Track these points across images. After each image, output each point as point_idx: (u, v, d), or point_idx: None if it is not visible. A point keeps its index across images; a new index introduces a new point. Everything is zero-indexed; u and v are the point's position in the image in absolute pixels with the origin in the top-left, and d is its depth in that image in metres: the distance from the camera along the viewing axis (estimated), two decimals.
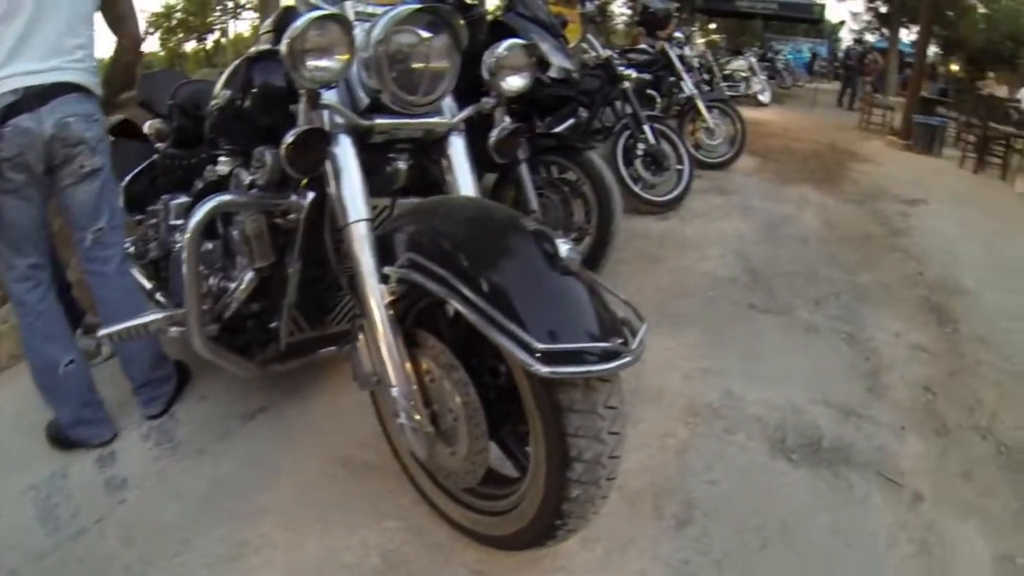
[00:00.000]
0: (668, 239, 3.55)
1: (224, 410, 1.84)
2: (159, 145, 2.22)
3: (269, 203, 1.37)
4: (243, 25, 26.59)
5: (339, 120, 1.25)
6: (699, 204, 4.27)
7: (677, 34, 5.28)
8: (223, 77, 1.53)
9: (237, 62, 1.50)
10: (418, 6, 1.25)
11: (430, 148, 1.44)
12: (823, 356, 2.31)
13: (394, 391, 1.16)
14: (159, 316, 1.49)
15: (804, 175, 5.55)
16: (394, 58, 1.24)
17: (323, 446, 1.67)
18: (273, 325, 1.53)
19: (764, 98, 10.62)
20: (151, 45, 27.69)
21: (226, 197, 1.34)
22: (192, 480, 1.58)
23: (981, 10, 18.18)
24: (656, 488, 1.53)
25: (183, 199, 1.94)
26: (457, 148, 1.41)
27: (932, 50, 18.02)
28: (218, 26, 26.47)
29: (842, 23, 24.62)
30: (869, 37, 19.03)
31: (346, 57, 1.16)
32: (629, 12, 20.16)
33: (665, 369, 2.07)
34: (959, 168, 6.60)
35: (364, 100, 1.30)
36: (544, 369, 0.89)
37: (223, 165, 1.63)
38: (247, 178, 1.45)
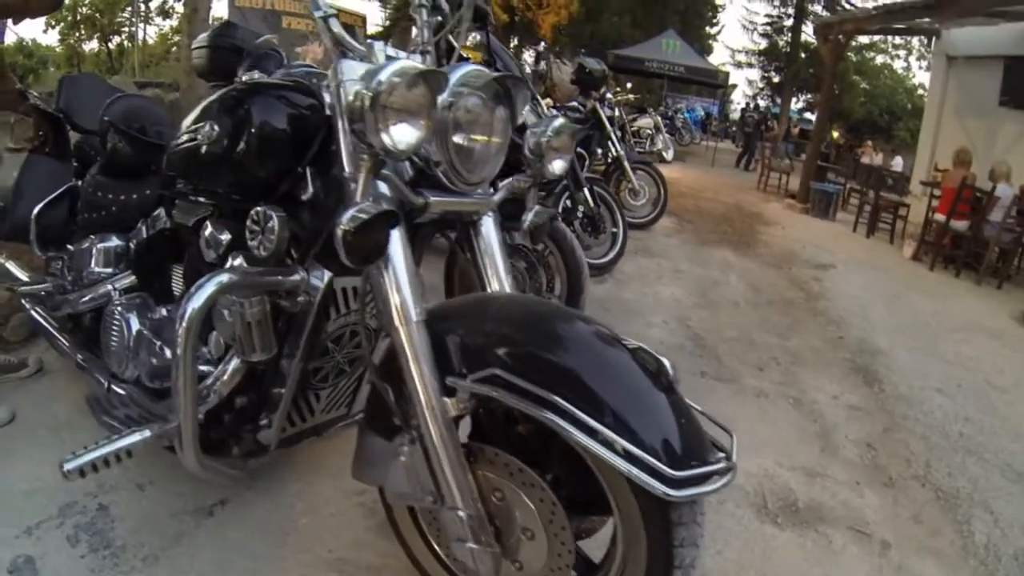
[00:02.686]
0: (611, 304, 3.93)
1: (173, 503, 1.64)
2: (77, 165, 2.07)
3: (277, 283, 1.24)
4: (152, 31, 25.57)
5: (388, 193, 1.16)
6: (631, 267, 4.75)
7: (608, 95, 5.79)
8: (201, 108, 1.38)
9: (226, 92, 1.35)
10: (490, 72, 1.19)
11: (459, 231, 1.40)
12: (778, 421, 2.72)
13: (461, 514, 1.12)
14: (147, 435, 1.27)
15: (720, 237, 6.30)
16: (457, 125, 1.18)
17: (307, 547, 1.54)
18: (264, 423, 1.40)
19: (668, 155, 11.79)
20: (49, 39, 25.83)
21: (225, 277, 1.16)
22: None
23: (863, 86, 21.73)
24: None
25: (115, 241, 1.82)
26: (491, 231, 1.36)
27: (813, 116, 21.15)
28: (126, 28, 25.13)
29: (734, 86, 28.01)
30: (760, 102, 21.89)
31: (430, 125, 1.08)
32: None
33: None
34: (853, 232, 7.73)
35: (408, 172, 1.22)
36: (676, 493, 0.93)
37: (182, 213, 1.50)
38: (221, 238, 1.33)
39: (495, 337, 1.07)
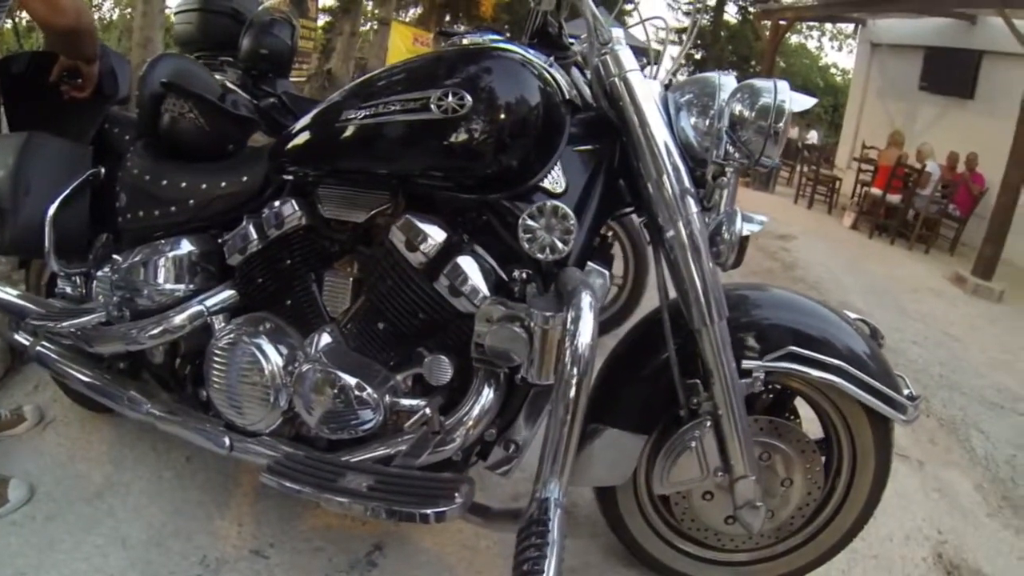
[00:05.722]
0: None
1: (315, 564, 1.36)
2: (94, 147, 1.54)
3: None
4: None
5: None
6: None
7: None
8: (413, 70, 1.16)
9: (462, 53, 1.17)
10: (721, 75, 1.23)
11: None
12: None
13: (751, 479, 1.23)
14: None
15: None
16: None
17: (505, 570, 1.37)
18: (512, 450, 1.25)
19: None
20: None
21: (591, 296, 0.99)
22: None
23: (781, 64, 23.17)
24: None
25: (189, 247, 1.37)
26: None
27: None
28: None
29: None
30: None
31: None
32: None
33: None
34: (795, 204, 8.50)
35: None
36: (907, 418, 1.23)
37: (338, 206, 1.22)
38: (436, 238, 1.12)
39: (773, 322, 1.27)
